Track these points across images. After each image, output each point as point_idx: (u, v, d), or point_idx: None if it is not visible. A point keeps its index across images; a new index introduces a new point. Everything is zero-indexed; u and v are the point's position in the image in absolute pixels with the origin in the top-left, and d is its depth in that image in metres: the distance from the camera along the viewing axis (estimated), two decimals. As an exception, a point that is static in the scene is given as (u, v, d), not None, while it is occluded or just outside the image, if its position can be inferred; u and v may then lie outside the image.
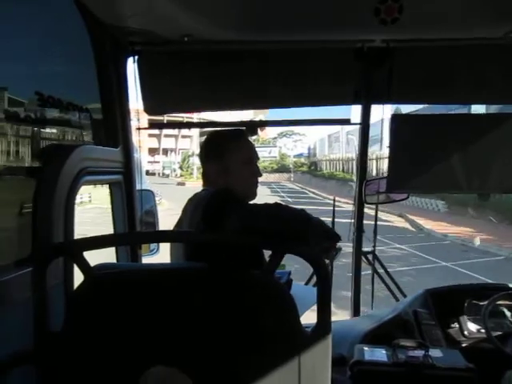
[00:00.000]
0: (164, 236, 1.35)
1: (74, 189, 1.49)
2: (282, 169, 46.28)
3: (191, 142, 46.21)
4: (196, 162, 40.78)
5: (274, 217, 1.25)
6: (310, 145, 47.91)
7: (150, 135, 40.22)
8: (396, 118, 2.20)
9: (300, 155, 47.68)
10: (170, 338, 1.08)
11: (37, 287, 1.13)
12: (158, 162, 46.72)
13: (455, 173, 2.13)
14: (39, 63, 1.62)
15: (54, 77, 1.69)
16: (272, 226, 1.20)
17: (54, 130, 1.71)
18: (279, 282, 1.12)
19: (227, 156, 1.68)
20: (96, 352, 1.12)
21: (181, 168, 45.37)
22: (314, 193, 29.32)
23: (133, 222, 2.13)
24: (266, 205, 1.35)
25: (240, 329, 1.09)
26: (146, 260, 2.31)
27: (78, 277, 1.30)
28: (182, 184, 35.51)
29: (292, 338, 1.12)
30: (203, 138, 1.79)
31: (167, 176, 43.95)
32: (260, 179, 1.75)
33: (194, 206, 1.54)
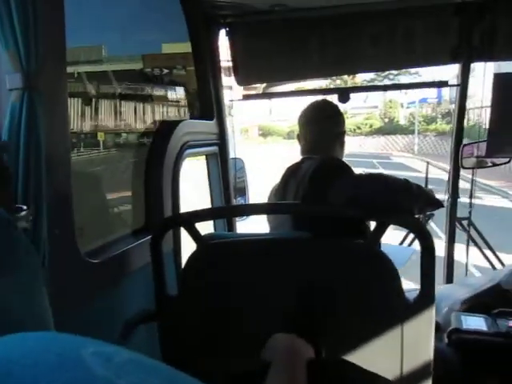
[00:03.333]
0: (270, 208, 1.40)
1: (178, 162, 1.59)
2: (390, 128, 26.32)
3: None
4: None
5: (379, 186, 1.26)
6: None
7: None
8: (499, 77, 2.05)
9: (423, 101, 26.72)
10: (280, 304, 1.15)
11: (154, 255, 1.25)
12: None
13: None
14: (139, 41, 1.71)
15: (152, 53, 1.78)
16: (377, 195, 1.22)
17: (158, 106, 1.82)
18: (384, 254, 1.13)
19: (339, 123, 1.74)
20: (209, 314, 1.22)
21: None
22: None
23: (227, 189, 2.23)
24: (371, 175, 1.36)
25: (347, 297, 1.14)
26: (239, 224, 2.42)
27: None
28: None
29: (396, 306, 1.15)
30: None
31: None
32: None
33: (302, 175, 1.57)
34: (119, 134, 1.56)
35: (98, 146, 1.43)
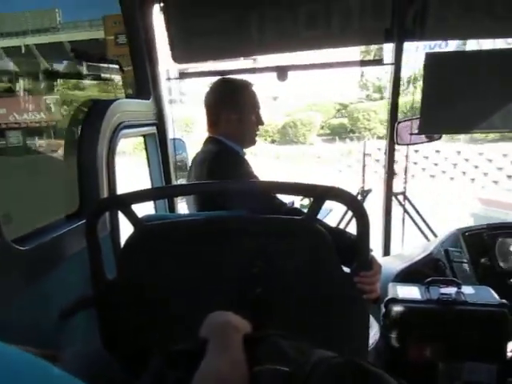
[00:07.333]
0: (209, 187, 1.38)
1: (113, 143, 1.53)
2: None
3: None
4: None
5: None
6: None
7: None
8: (430, 56, 2.12)
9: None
10: (220, 282, 1.15)
11: (90, 239, 1.20)
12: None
13: (492, 112, 2.07)
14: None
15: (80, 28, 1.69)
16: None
17: (89, 85, 1.73)
18: (321, 228, 1.16)
19: (242, 104, 1.71)
20: (147, 297, 1.20)
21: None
22: None
23: (167, 170, 2.19)
24: None
25: (287, 272, 1.16)
26: (180, 205, 2.39)
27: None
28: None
29: (333, 278, 1.18)
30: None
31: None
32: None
33: (201, 161, 1.63)
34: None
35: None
